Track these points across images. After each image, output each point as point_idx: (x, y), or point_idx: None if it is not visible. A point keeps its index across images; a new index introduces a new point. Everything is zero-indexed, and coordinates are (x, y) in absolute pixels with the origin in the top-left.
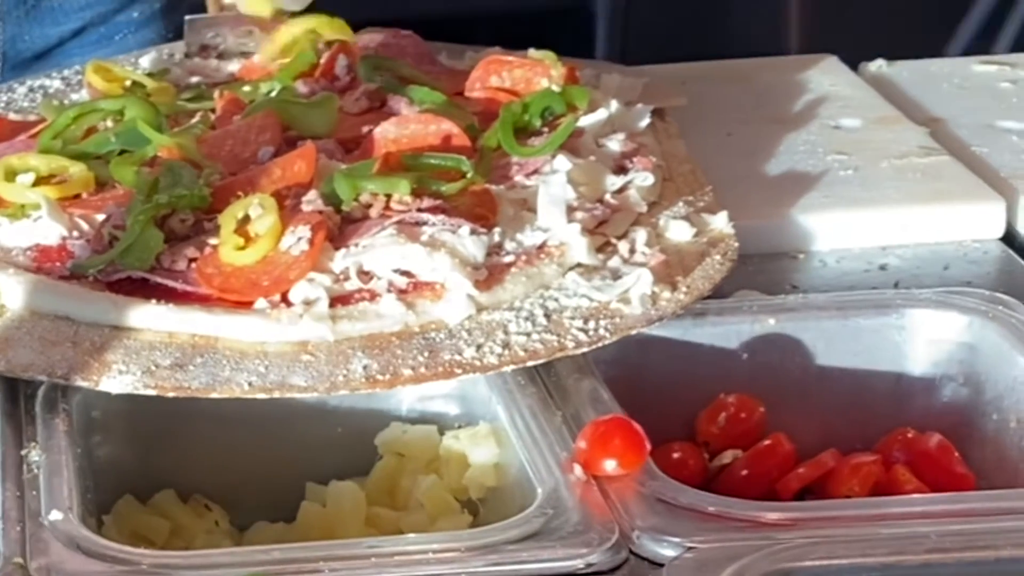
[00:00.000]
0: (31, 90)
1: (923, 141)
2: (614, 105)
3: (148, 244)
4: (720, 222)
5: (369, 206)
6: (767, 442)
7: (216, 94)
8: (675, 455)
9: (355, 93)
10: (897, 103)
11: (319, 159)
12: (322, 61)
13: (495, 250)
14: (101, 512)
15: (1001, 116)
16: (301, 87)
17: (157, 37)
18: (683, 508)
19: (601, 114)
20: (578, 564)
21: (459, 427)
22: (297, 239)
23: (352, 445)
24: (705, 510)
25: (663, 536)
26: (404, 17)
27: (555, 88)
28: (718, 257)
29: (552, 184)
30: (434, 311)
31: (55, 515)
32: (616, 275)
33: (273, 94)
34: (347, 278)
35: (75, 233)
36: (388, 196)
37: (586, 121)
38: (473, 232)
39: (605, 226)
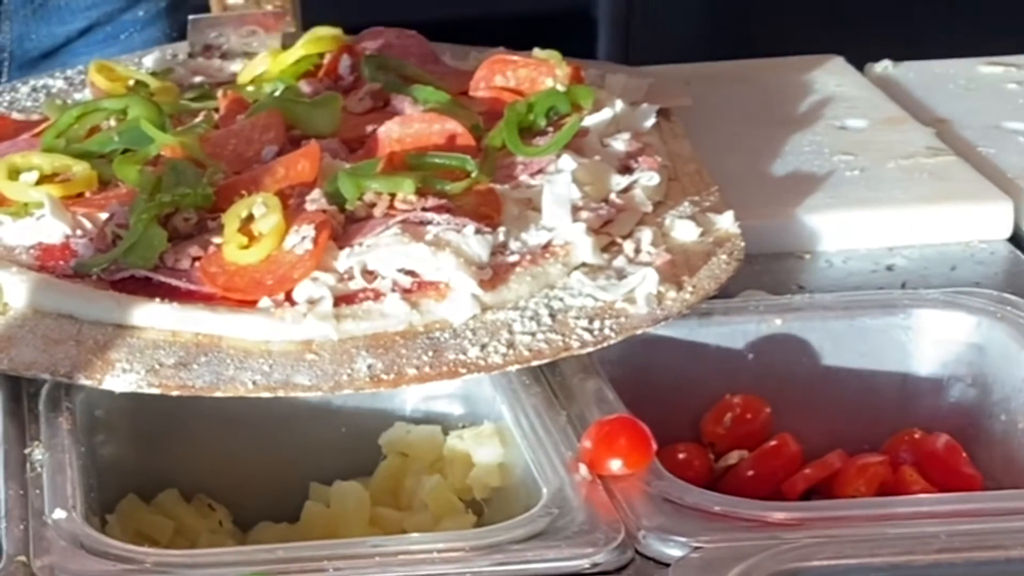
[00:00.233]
0: (34, 89)
1: (929, 142)
2: (619, 105)
3: (152, 243)
4: (726, 222)
5: (373, 205)
6: (773, 442)
7: (219, 93)
8: (680, 455)
9: (359, 93)
10: (903, 104)
11: (323, 158)
12: (326, 61)
13: (500, 250)
14: (105, 511)
15: (1007, 117)
16: (305, 87)
17: (162, 36)
18: (689, 508)
19: (606, 114)
20: (584, 564)
21: (463, 427)
22: (301, 238)
23: (356, 445)
24: (711, 510)
25: (669, 536)
26: (408, 20)
27: (560, 88)
28: (724, 257)
29: (557, 184)
30: (438, 311)
31: (59, 514)
32: (621, 275)
33: (277, 93)
34: (351, 277)
35: (78, 232)
36: (392, 195)
37: (591, 121)
38: (478, 232)
39: (610, 226)
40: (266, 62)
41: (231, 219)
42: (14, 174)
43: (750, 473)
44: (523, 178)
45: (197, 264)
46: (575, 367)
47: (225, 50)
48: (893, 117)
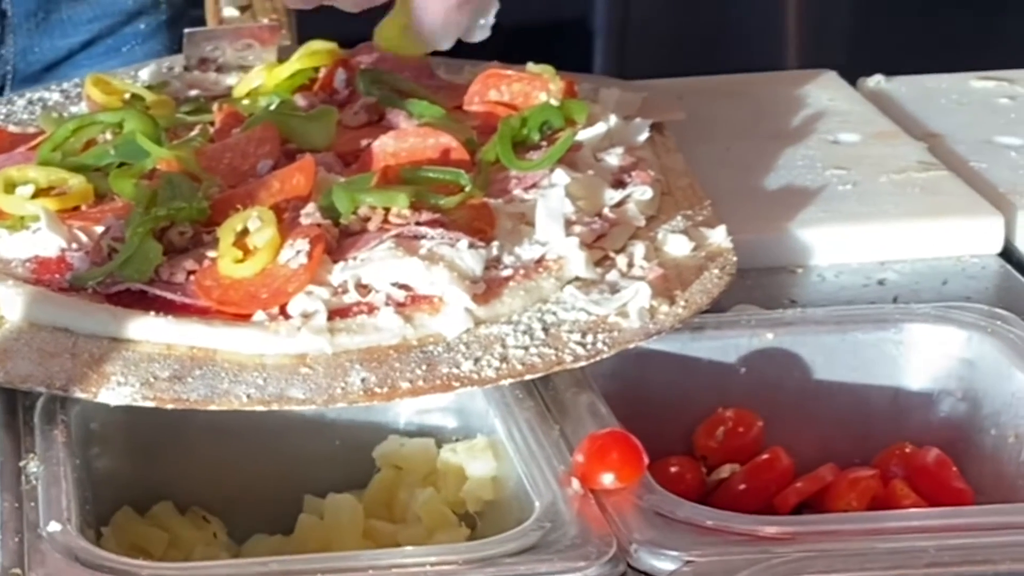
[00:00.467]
0: (30, 102)
1: (922, 156)
2: (613, 119)
3: (147, 256)
4: (718, 236)
5: (367, 219)
6: (765, 456)
7: (215, 107)
8: (673, 469)
9: (354, 107)
10: (895, 118)
11: (318, 172)
12: (321, 75)
13: (493, 264)
14: (99, 524)
15: (999, 132)
16: (300, 100)
17: (163, 49)
18: (681, 522)
19: (600, 128)
20: None
21: (457, 440)
22: (296, 252)
23: (350, 458)
24: (703, 524)
25: (661, 550)
26: None
27: (554, 102)
28: (716, 271)
29: (550, 198)
30: (432, 325)
31: (53, 526)
32: (614, 289)
33: (272, 107)
34: (345, 291)
35: (74, 245)
36: (386, 209)
37: (585, 135)
38: (471, 246)
39: (603, 240)
40: (262, 76)
41: (226, 233)
42: (10, 187)
43: (742, 487)
44: (517, 192)
45: (192, 278)
46: (568, 381)
47: (221, 63)
48: (885, 131)
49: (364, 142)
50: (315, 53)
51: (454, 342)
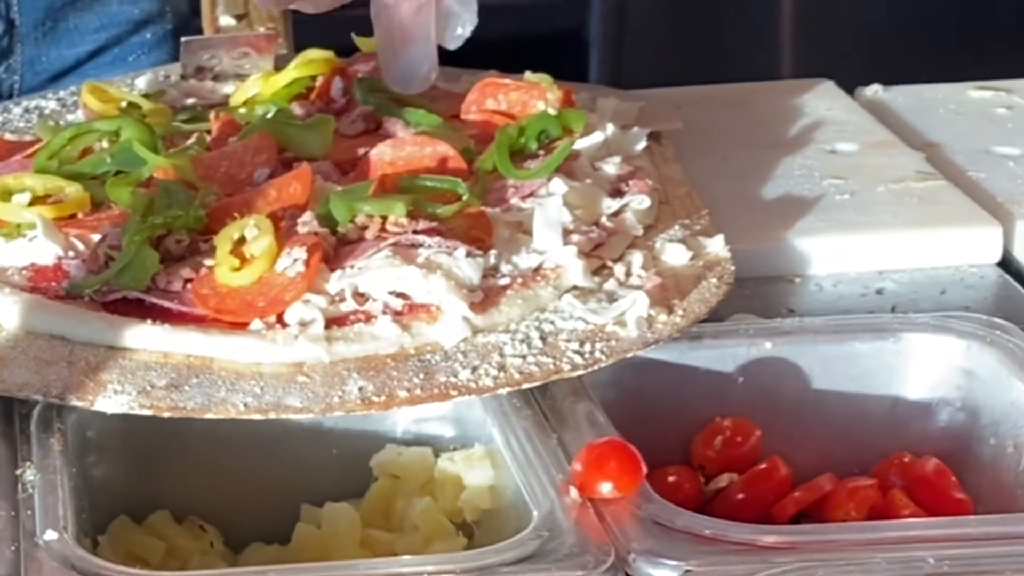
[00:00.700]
0: (27, 110)
1: (919, 166)
2: (610, 128)
3: (144, 264)
4: (716, 245)
5: (365, 228)
6: (763, 466)
7: (212, 116)
8: (671, 478)
9: (351, 115)
10: (893, 128)
11: (315, 181)
12: (318, 83)
13: (491, 272)
14: (96, 532)
15: (997, 141)
16: (297, 109)
17: (168, 58)
18: (679, 531)
19: (597, 137)
20: None
21: (454, 449)
22: (293, 260)
23: (347, 467)
24: (702, 533)
25: (659, 559)
26: None
27: (551, 111)
28: (714, 280)
29: (548, 207)
30: (430, 333)
31: (50, 535)
32: (612, 298)
33: (269, 116)
34: (343, 300)
35: (71, 253)
36: (384, 218)
37: (582, 144)
38: (469, 254)
39: (601, 249)
40: (258, 84)
41: (223, 241)
42: (6, 195)
43: (740, 496)
44: (514, 201)
45: (189, 286)
46: (566, 390)
47: (217, 72)
48: (883, 141)
49: (361, 151)
50: (312, 62)
51: (452, 351)
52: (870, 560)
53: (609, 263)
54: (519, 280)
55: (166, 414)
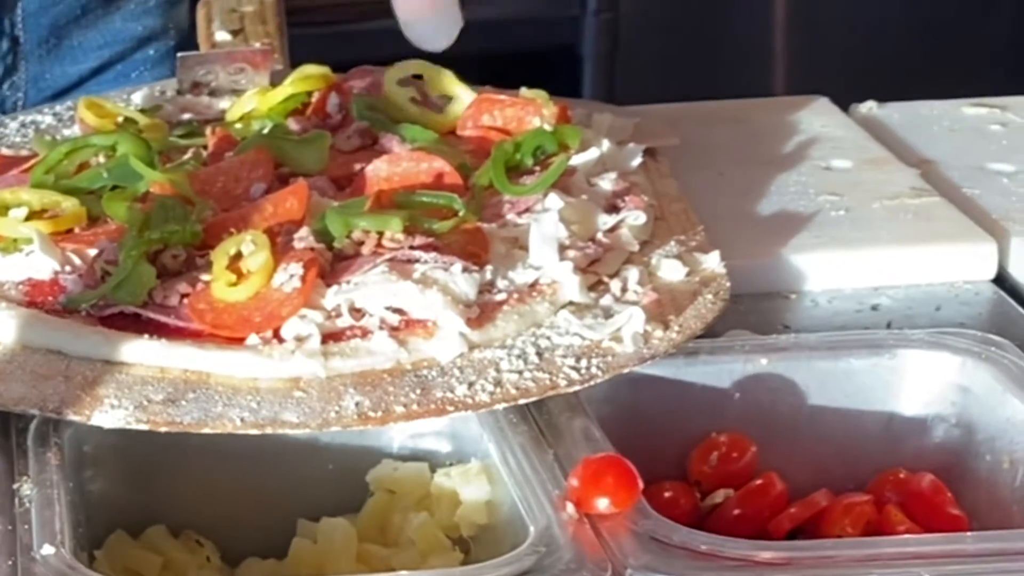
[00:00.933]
0: (23, 125)
1: (914, 183)
2: (606, 144)
3: (140, 279)
4: (712, 261)
5: (361, 243)
6: (759, 482)
7: (208, 131)
8: (667, 494)
9: (347, 131)
10: (888, 145)
11: (311, 196)
12: (314, 99)
13: (487, 288)
14: (93, 547)
15: (992, 158)
16: (293, 124)
17: (171, 74)
18: (676, 547)
19: (593, 153)
20: None
21: (450, 464)
22: (289, 276)
23: (343, 482)
24: (698, 549)
25: (656, 574)
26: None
27: (547, 127)
28: (710, 296)
29: (544, 222)
30: (426, 349)
31: (47, 549)
32: (608, 313)
33: (265, 131)
34: (339, 315)
35: (67, 268)
36: (380, 233)
37: (578, 160)
38: (465, 270)
39: (597, 264)
40: (254, 100)
41: (219, 256)
42: (3, 210)
43: (736, 512)
44: (510, 217)
45: (186, 301)
46: (562, 405)
47: (213, 87)
48: (878, 158)
49: (357, 166)
50: (308, 77)
51: (448, 366)
52: None
53: (605, 279)
54: (515, 296)
55: (163, 429)
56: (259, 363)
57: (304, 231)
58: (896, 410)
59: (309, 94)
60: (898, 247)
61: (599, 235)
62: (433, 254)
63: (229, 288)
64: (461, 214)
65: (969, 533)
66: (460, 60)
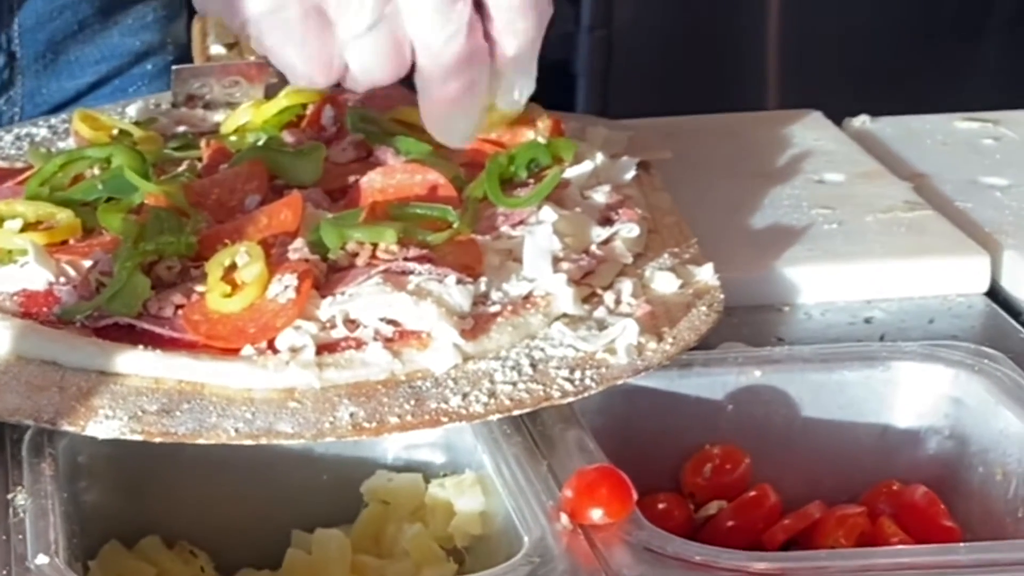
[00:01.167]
0: (18, 138)
1: (907, 196)
2: (599, 157)
3: (135, 290)
4: (706, 274)
5: (355, 255)
6: (752, 493)
7: (203, 143)
8: (660, 506)
9: (341, 143)
10: (881, 158)
11: (305, 208)
12: (308, 112)
13: (481, 300)
14: (87, 557)
15: (984, 172)
16: (288, 137)
17: (168, 89)
18: (670, 558)
19: (587, 166)
20: None
21: (445, 475)
22: (284, 287)
23: (338, 492)
24: (692, 560)
25: None
26: None
27: (541, 140)
28: (704, 308)
29: (538, 235)
30: (420, 360)
31: (41, 559)
32: (602, 325)
33: (260, 143)
34: (333, 326)
35: (62, 279)
36: (374, 245)
37: (572, 173)
38: (459, 282)
39: (591, 277)
40: (249, 112)
41: (214, 268)
42: None
43: (730, 523)
44: (504, 229)
45: (180, 312)
46: (556, 417)
47: (208, 100)
48: (871, 171)
49: (352, 178)
50: (303, 90)
51: (442, 377)
52: None
53: (599, 291)
54: (509, 307)
55: (157, 439)
56: (254, 374)
57: (299, 242)
58: (890, 422)
59: (304, 107)
60: (891, 260)
61: (593, 247)
62: (427, 266)
63: (224, 299)
64: (455, 226)
65: (962, 544)
66: None
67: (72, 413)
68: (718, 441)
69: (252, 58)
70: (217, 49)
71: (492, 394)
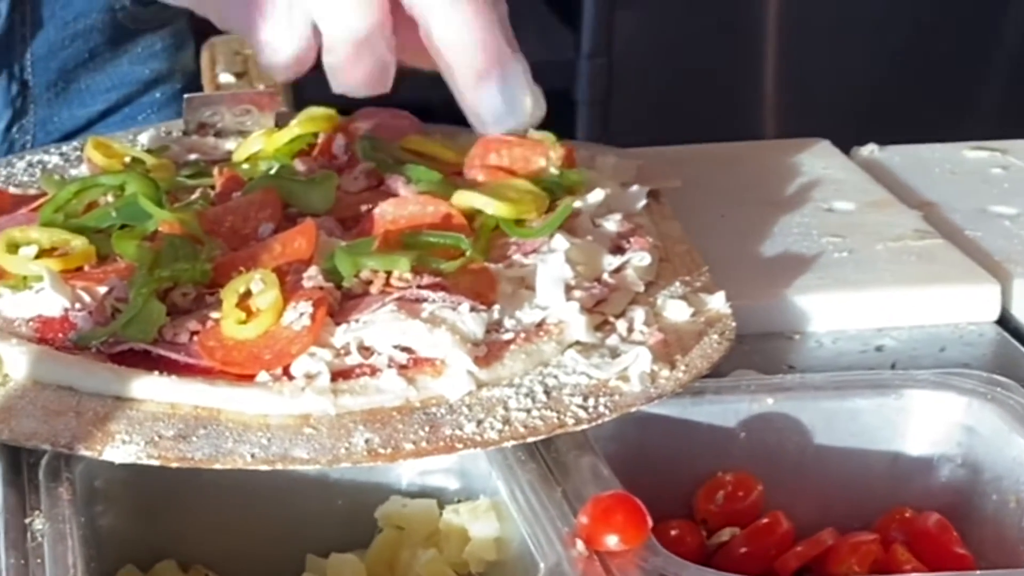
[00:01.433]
0: (30, 164)
1: (917, 224)
2: (610, 186)
3: (150, 317)
4: (717, 302)
5: (369, 283)
6: (765, 520)
7: (215, 171)
8: (673, 532)
9: (353, 172)
10: (890, 187)
11: (319, 236)
12: (320, 140)
13: (494, 327)
14: None
15: (993, 201)
16: (299, 165)
17: (177, 116)
18: None
19: (598, 195)
20: None
21: (459, 501)
22: (299, 314)
23: (352, 518)
24: None
25: None
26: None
27: (553, 170)
28: (716, 336)
29: (550, 263)
30: (435, 387)
31: None
32: (615, 353)
33: (272, 172)
34: (348, 353)
35: (77, 305)
36: (388, 273)
37: (583, 201)
38: (473, 309)
39: (603, 305)
40: (261, 141)
41: (229, 295)
42: (13, 248)
43: (743, 550)
44: (516, 257)
45: (195, 338)
46: (570, 443)
47: (220, 128)
48: (880, 200)
49: (364, 207)
50: (314, 119)
51: (456, 404)
52: None
53: (611, 319)
54: (522, 335)
55: (174, 464)
56: (269, 400)
57: (313, 270)
58: (902, 450)
59: (315, 135)
60: (902, 288)
61: (605, 276)
62: (441, 294)
63: (239, 326)
64: (468, 254)
65: (976, 572)
66: (456, 104)
67: (89, 438)
68: (731, 468)
69: (262, 86)
70: (226, 78)
71: (506, 421)
